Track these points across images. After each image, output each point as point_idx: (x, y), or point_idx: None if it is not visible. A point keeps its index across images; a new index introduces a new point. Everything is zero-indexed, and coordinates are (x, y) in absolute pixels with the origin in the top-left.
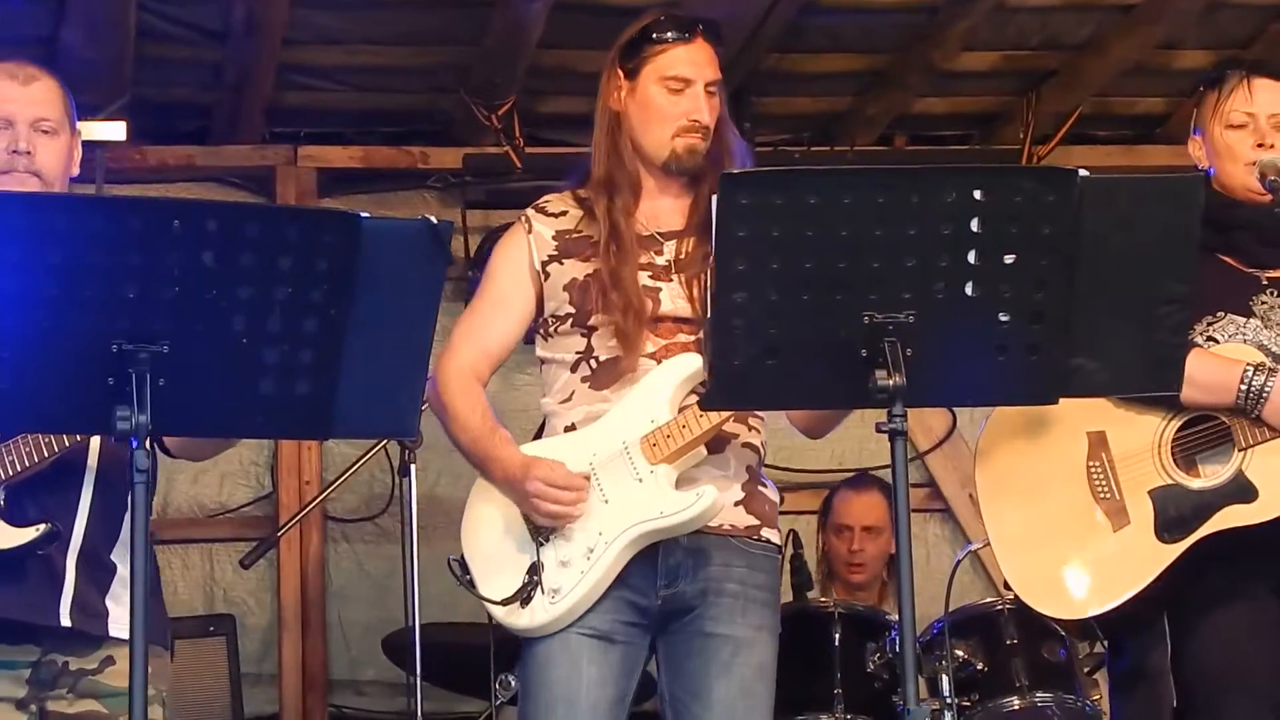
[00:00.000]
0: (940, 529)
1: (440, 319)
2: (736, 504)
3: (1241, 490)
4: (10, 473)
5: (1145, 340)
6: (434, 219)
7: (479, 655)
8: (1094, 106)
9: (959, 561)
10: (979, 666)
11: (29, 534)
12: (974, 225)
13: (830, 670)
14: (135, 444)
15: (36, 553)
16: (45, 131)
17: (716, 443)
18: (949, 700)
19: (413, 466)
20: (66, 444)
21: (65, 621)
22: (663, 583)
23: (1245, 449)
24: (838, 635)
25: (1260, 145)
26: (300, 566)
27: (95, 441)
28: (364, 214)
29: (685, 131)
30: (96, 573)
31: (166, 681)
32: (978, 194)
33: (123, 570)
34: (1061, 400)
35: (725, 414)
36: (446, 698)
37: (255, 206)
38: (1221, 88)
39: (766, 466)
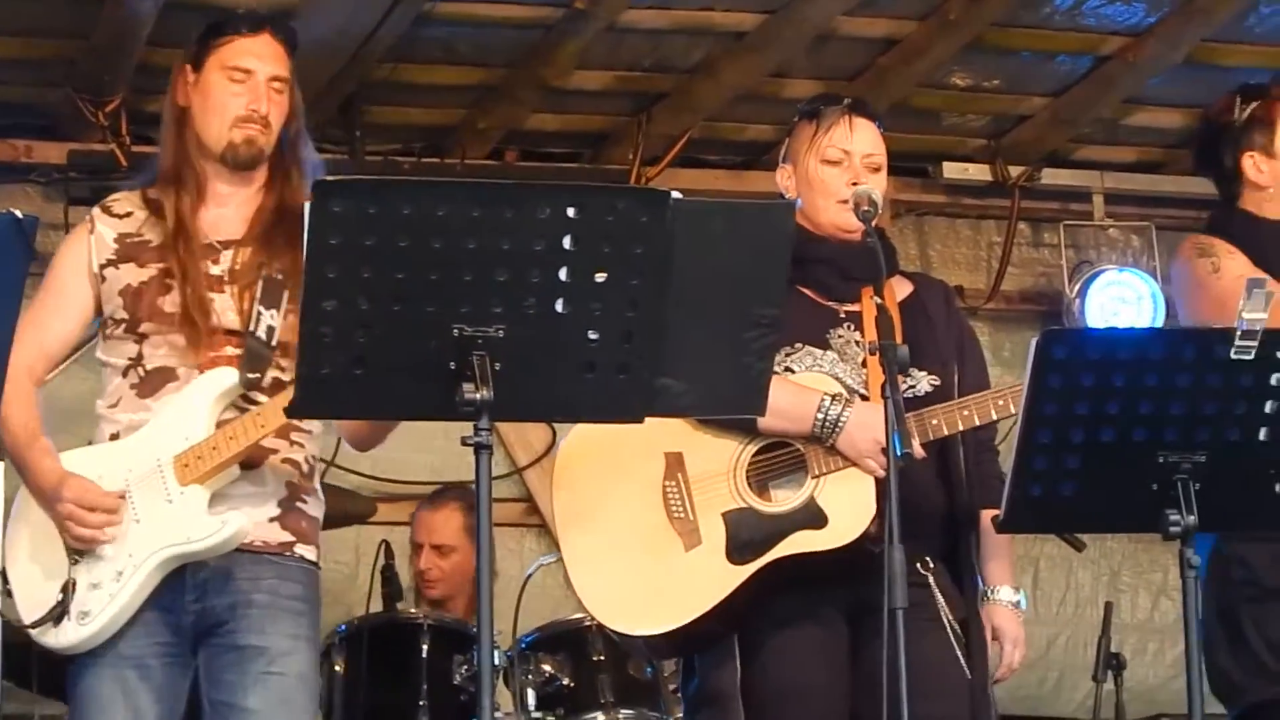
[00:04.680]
0: (536, 544)
1: None
2: (271, 520)
3: (813, 516)
4: None
5: (732, 363)
6: (19, 213)
7: (61, 657)
8: (704, 130)
9: (529, 576)
10: (566, 682)
11: None
12: (567, 243)
13: (417, 681)
14: None
15: None
16: None
17: (253, 459)
18: (532, 714)
19: None
20: None
21: None
22: (191, 598)
23: (818, 476)
24: (426, 647)
25: (854, 184)
26: None
27: None
28: None
29: (243, 122)
30: None
31: None
32: (571, 211)
33: None
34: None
35: (258, 433)
36: (29, 699)
37: None
38: (819, 122)
39: (361, 476)
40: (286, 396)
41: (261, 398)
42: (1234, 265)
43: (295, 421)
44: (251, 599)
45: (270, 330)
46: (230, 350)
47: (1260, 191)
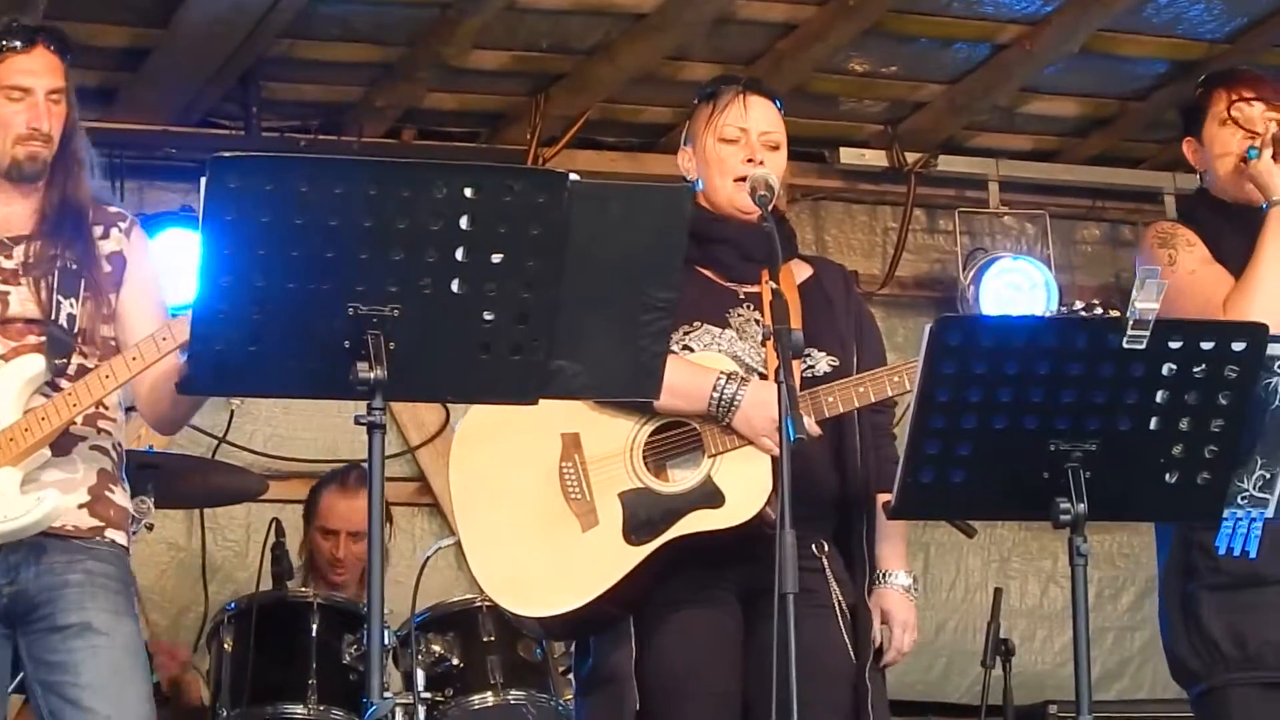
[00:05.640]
0: (428, 523)
1: None
2: (81, 506)
3: (709, 496)
4: None
5: (627, 346)
6: None
7: None
8: (602, 112)
9: (427, 559)
10: (455, 662)
11: None
12: (464, 223)
13: (306, 660)
14: None
15: None
16: None
17: (63, 445)
18: (421, 695)
19: None
20: None
21: None
22: (5, 580)
23: (714, 455)
24: (315, 626)
25: (750, 161)
26: None
27: None
28: None
29: (25, 139)
30: None
31: None
32: (468, 191)
33: None
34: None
35: (70, 413)
36: None
37: None
38: (716, 101)
39: (253, 453)
40: (99, 375)
41: (68, 385)
42: (1189, 259)
43: (102, 409)
44: (67, 579)
45: (71, 318)
46: (33, 339)
47: (1205, 174)
